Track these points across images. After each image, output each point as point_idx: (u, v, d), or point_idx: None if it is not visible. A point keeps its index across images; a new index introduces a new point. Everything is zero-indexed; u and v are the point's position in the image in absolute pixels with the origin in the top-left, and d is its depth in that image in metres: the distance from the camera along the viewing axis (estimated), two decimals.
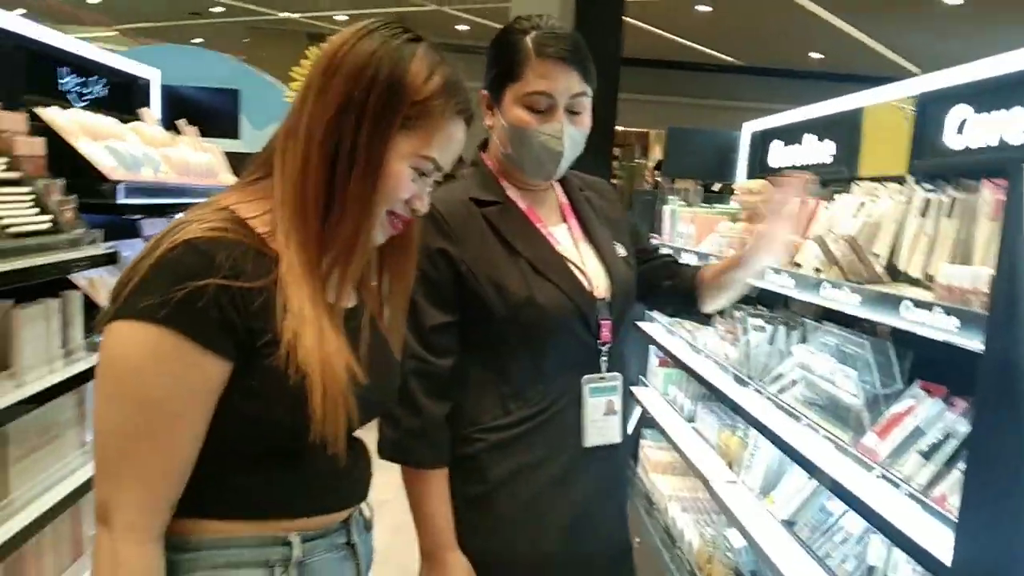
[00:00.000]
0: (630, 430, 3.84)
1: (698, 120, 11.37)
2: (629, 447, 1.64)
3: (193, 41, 13.92)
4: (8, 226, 1.89)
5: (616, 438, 1.54)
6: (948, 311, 1.43)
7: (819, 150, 2.88)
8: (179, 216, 1.05)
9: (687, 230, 3.27)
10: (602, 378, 1.52)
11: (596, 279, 1.53)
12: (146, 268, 0.94)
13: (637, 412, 3.85)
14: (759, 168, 3.41)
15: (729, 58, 12.04)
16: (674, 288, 1.77)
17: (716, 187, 4.03)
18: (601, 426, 1.52)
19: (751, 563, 2.50)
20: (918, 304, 1.54)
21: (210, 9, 11.76)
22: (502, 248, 1.49)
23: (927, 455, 1.60)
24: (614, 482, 1.60)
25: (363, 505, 1.21)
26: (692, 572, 2.75)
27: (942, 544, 1.35)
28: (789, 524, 2.10)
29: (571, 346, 1.50)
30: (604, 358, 1.52)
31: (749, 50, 11.63)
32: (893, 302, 1.62)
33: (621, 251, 1.62)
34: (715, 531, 2.82)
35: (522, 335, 1.47)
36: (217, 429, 1.00)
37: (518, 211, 1.53)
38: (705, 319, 1.85)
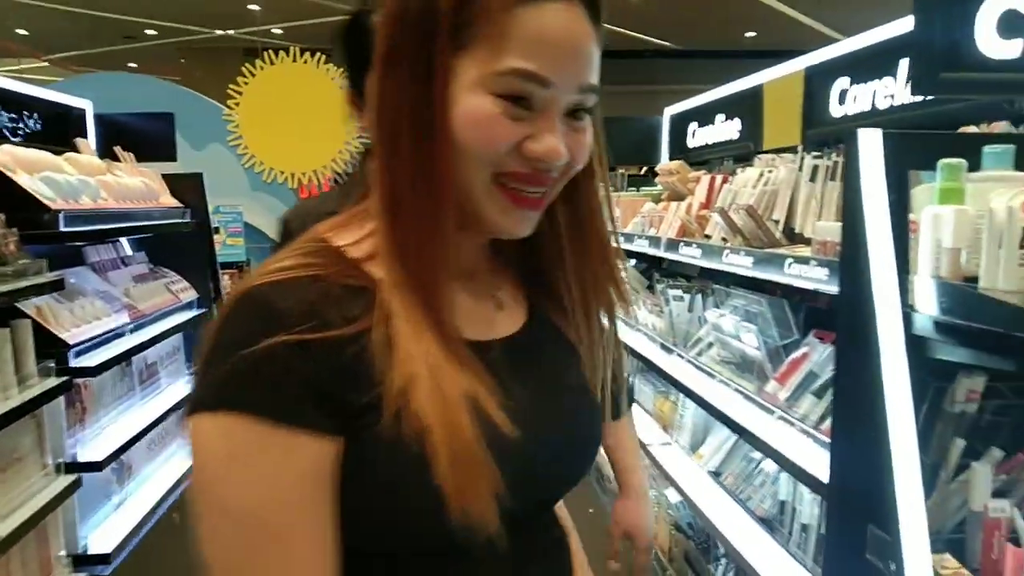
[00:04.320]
0: None
1: (639, 107, 11.49)
2: None
3: (129, 66, 13.83)
4: None
5: None
6: (819, 263, 1.60)
7: (728, 128, 3.06)
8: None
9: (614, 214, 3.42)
10: None
11: None
12: (209, 338, 0.70)
13: None
14: (679, 149, 3.58)
15: (666, 43, 12.24)
16: None
17: (642, 171, 4.20)
18: None
19: (688, 516, 2.66)
20: (797, 260, 1.70)
21: (144, 32, 11.70)
22: None
23: (819, 394, 1.77)
24: None
25: None
26: None
27: (825, 468, 1.52)
28: (716, 475, 2.25)
29: None
30: None
31: (685, 34, 11.86)
32: (779, 261, 1.79)
33: None
34: (657, 492, 2.97)
35: None
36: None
37: None
38: None
